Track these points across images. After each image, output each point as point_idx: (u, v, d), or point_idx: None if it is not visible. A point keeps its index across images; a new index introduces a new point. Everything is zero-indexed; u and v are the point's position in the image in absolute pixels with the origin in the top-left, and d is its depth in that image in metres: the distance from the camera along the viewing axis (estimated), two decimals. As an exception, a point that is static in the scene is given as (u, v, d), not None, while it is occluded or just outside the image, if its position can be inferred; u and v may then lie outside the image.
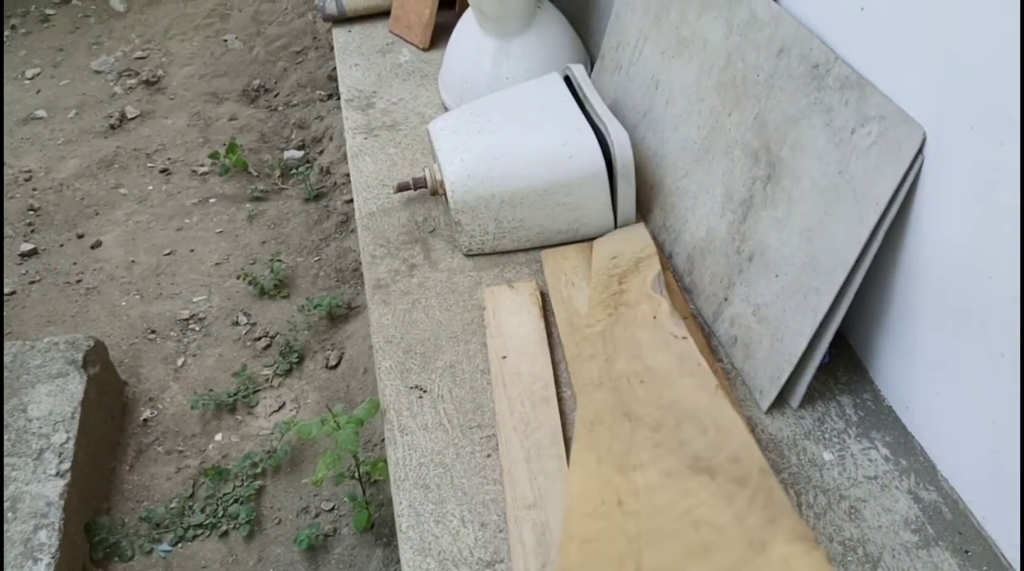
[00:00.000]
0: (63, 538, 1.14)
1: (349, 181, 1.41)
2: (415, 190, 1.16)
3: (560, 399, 0.89)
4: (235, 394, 1.47)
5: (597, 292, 0.99)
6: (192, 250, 1.82)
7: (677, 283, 1.03)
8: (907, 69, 0.74)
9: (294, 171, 2.03)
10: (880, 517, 0.77)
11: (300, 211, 1.91)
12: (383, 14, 1.65)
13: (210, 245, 1.83)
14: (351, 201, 1.82)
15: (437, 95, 1.42)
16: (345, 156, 1.67)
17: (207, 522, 1.27)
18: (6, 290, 1.74)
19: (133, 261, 1.80)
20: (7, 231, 1.90)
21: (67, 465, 1.22)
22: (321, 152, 2.07)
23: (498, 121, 1.09)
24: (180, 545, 1.25)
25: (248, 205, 1.93)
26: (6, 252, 1.83)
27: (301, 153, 2.08)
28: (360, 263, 1.14)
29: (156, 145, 2.16)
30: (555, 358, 0.94)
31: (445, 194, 1.07)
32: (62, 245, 1.87)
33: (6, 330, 1.63)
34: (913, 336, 0.80)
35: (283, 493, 1.32)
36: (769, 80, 0.90)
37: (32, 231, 1.91)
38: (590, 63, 1.37)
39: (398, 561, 0.78)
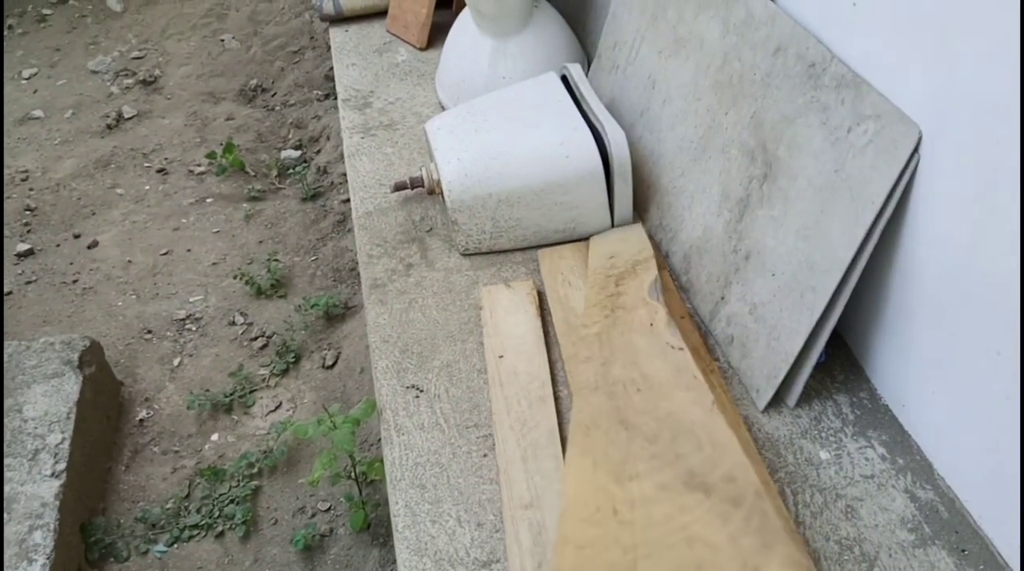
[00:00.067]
0: (58, 539, 1.14)
1: (346, 181, 1.41)
2: (412, 189, 1.16)
3: (557, 398, 0.89)
4: (231, 394, 1.47)
5: (594, 292, 0.99)
6: (189, 250, 1.82)
7: (674, 282, 1.03)
8: (903, 68, 0.74)
9: (291, 171, 2.02)
10: (876, 516, 0.77)
11: (297, 211, 1.91)
12: (380, 14, 1.65)
13: (207, 245, 1.83)
14: (348, 201, 1.82)
15: (434, 94, 1.42)
16: (342, 156, 1.67)
17: (203, 522, 1.27)
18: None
19: (130, 261, 1.80)
20: (4, 231, 1.89)
21: (62, 465, 1.22)
22: (318, 152, 2.07)
23: (495, 120, 1.09)
24: (176, 546, 1.25)
25: (245, 205, 1.93)
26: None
27: (298, 153, 2.08)
28: (357, 263, 1.13)
29: (153, 145, 2.15)
30: (552, 357, 0.94)
31: (442, 193, 1.06)
32: (58, 245, 1.86)
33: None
34: (909, 335, 0.80)
35: (279, 493, 1.31)
36: (765, 79, 0.90)
37: (28, 231, 1.90)
38: (587, 62, 1.37)
39: (394, 561, 0.78)
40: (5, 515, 1.15)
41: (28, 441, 1.25)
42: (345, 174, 1.41)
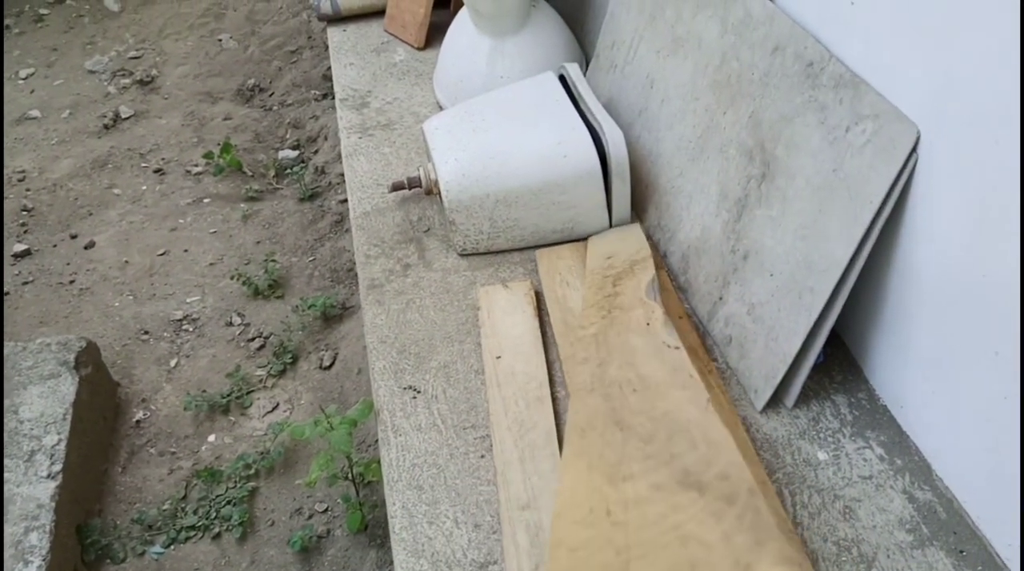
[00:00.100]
0: (54, 540, 1.13)
1: (344, 181, 1.41)
2: (410, 189, 1.16)
3: (555, 399, 0.88)
4: (228, 395, 1.46)
5: (591, 293, 0.98)
6: (186, 250, 1.82)
7: (672, 282, 1.03)
8: (901, 67, 0.73)
9: (289, 171, 2.02)
10: (875, 517, 0.76)
11: (295, 211, 1.90)
12: (378, 13, 1.65)
13: (204, 245, 1.83)
14: (346, 201, 1.82)
15: (432, 94, 1.41)
16: (340, 156, 1.66)
17: (200, 524, 1.26)
18: (-2, 291, 1.73)
19: (126, 261, 1.79)
20: (-1, 231, 1.89)
21: (58, 467, 1.21)
22: (316, 152, 2.06)
23: (493, 120, 1.08)
24: (172, 547, 1.24)
25: (242, 205, 1.93)
26: (-2, 252, 1.82)
27: (296, 153, 2.07)
28: (355, 263, 1.13)
29: (150, 145, 2.15)
30: (549, 358, 0.94)
31: (440, 193, 1.06)
32: (55, 245, 1.86)
33: (-2, 331, 1.62)
34: (907, 335, 0.80)
35: (276, 494, 1.31)
36: (764, 79, 0.89)
37: (25, 232, 1.90)
38: (585, 62, 1.36)
39: (391, 563, 0.78)
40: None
41: (24, 442, 1.24)
42: (343, 174, 1.41)
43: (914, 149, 0.72)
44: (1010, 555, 0.70)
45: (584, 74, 1.20)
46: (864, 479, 0.80)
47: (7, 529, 1.13)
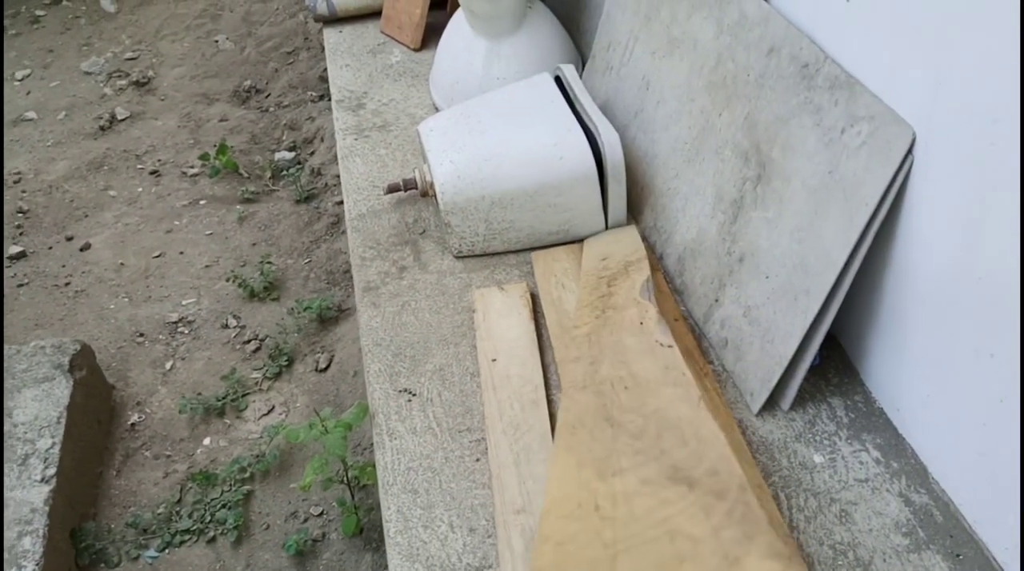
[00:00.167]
0: (48, 544, 1.13)
1: (340, 182, 1.40)
2: (405, 191, 1.15)
3: (550, 402, 0.88)
4: (224, 398, 1.46)
5: (585, 293, 0.98)
6: (181, 252, 1.81)
7: (668, 285, 1.02)
8: (897, 69, 0.73)
9: (285, 172, 2.01)
10: (871, 520, 0.76)
11: (291, 213, 1.90)
12: (374, 14, 1.64)
13: (200, 247, 1.82)
14: (342, 202, 1.81)
15: (428, 96, 1.41)
16: (336, 157, 1.66)
17: (194, 527, 1.26)
18: (-7, 293, 1.73)
19: (122, 263, 1.79)
20: (-6, 233, 1.88)
21: (52, 470, 1.21)
22: (312, 153, 2.06)
23: (488, 122, 1.08)
24: (167, 551, 1.24)
25: (238, 207, 1.92)
26: (-7, 255, 1.82)
27: (292, 154, 2.07)
28: (350, 265, 1.13)
29: (146, 146, 2.14)
30: (545, 361, 0.93)
31: (435, 195, 1.06)
32: (51, 247, 1.85)
33: (-8, 333, 1.61)
34: (903, 337, 0.80)
35: (271, 498, 1.31)
36: (759, 80, 0.89)
37: (21, 233, 1.89)
38: (581, 63, 1.36)
39: (387, 566, 0.77)
40: (-6, 521, 1.14)
41: (18, 446, 1.23)
42: (339, 176, 1.41)
43: (909, 151, 0.72)
44: (1007, 559, 0.70)
45: (580, 75, 1.20)
46: (860, 482, 0.79)
47: (0, 533, 1.13)
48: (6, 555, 1.10)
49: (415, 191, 1.14)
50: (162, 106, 2.30)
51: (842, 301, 0.79)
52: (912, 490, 0.78)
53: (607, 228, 1.09)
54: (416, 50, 1.54)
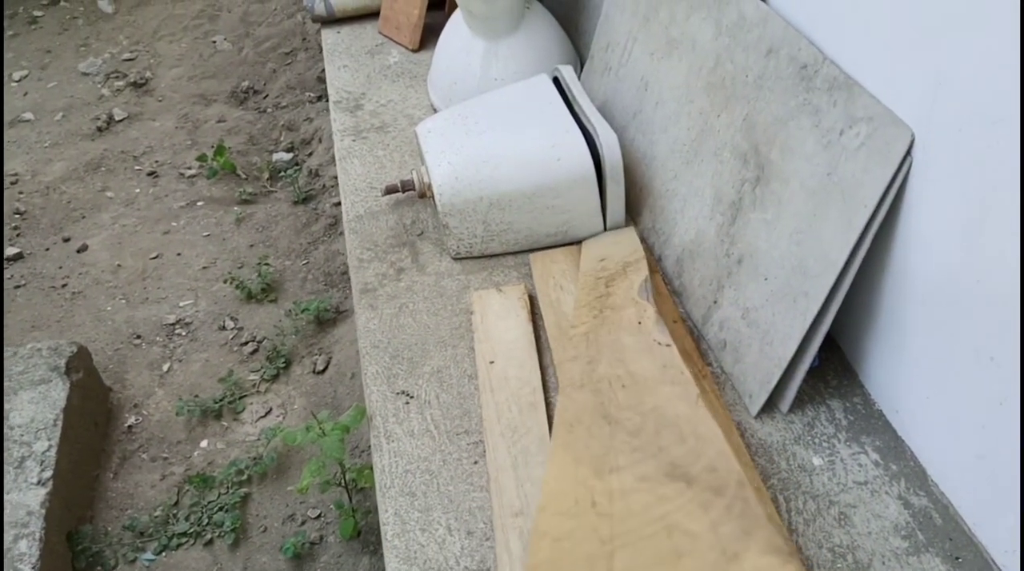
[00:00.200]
0: (44, 548, 1.12)
1: (338, 183, 1.40)
2: (403, 193, 1.15)
3: (548, 404, 0.88)
4: (221, 400, 1.45)
5: (583, 293, 0.98)
6: (179, 254, 1.81)
7: (666, 286, 1.02)
8: (896, 70, 0.73)
9: (283, 173, 2.01)
10: (870, 523, 0.76)
11: (288, 214, 1.89)
12: (372, 15, 1.64)
13: (197, 249, 1.82)
14: (339, 204, 1.81)
15: (426, 96, 1.41)
16: (334, 158, 1.66)
17: (192, 530, 1.25)
18: (-10, 295, 1.72)
19: (119, 265, 1.78)
20: (-9, 235, 1.87)
21: (49, 473, 1.20)
22: (310, 154, 2.06)
23: (486, 123, 1.08)
24: (164, 554, 1.23)
25: (236, 208, 1.92)
26: (-10, 256, 1.81)
27: (290, 155, 2.06)
28: (348, 266, 1.12)
29: (143, 147, 2.14)
30: (543, 363, 0.93)
31: (433, 197, 1.05)
32: (48, 249, 1.85)
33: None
34: (902, 339, 0.79)
35: (269, 500, 1.30)
36: (758, 81, 0.89)
37: (18, 235, 1.89)
38: (580, 64, 1.36)
39: (384, 569, 0.77)
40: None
41: (14, 449, 1.23)
42: (337, 177, 1.40)
43: (908, 152, 0.72)
44: (1007, 562, 0.70)
45: (578, 76, 1.20)
46: (859, 485, 0.79)
47: (-4, 536, 1.12)
48: (4, 558, 1.10)
49: (413, 192, 1.14)
50: (160, 107, 2.29)
51: (841, 303, 0.78)
52: (911, 492, 0.78)
53: (605, 230, 1.08)
54: (414, 51, 1.53)
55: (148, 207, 1.95)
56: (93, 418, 1.39)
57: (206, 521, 1.26)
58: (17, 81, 2.46)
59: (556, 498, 0.75)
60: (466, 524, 0.78)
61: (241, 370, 1.52)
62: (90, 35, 2.66)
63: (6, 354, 1.36)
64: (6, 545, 1.11)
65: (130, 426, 1.44)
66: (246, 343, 1.57)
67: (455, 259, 1.09)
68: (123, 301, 1.69)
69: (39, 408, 1.28)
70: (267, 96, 2.30)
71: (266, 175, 2.01)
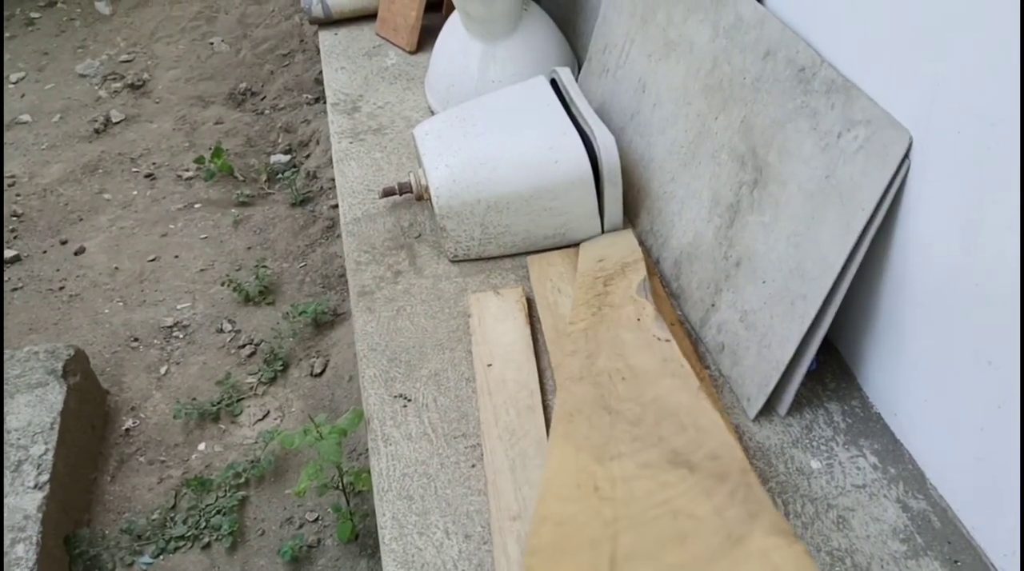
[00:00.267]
0: (41, 552, 1.12)
1: (335, 186, 1.40)
2: (400, 195, 1.15)
3: (546, 407, 0.87)
4: (219, 403, 1.45)
5: (581, 292, 0.98)
6: (176, 256, 1.80)
7: (664, 289, 1.02)
8: (894, 72, 0.73)
9: (280, 176, 2.01)
10: (868, 526, 0.76)
11: (286, 216, 1.89)
12: (370, 17, 1.64)
13: (195, 251, 1.81)
14: (337, 206, 1.81)
15: (423, 98, 1.40)
16: (332, 160, 1.66)
17: (189, 534, 1.25)
18: (-14, 297, 1.72)
19: (117, 268, 1.78)
20: (-12, 237, 1.87)
21: (45, 477, 1.20)
22: (308, 156, 2.05)
23: (484, 125, 1.08)
24: (162, 557, 1.23)
25: (233, 210, 1.91)
26: (-13, 259, 1.80)
27: (287, 157, 2.06)
28: (346, 269, 1.12)
29: (141, 149, 2.13)
30: (541, 365, 0.93)
31: (430, 199, 1.05)
32: (45, 251, 1.84)
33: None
34: (901, 342, 0.79)
35: (267, 503, 1.30)
36: (755, 83, 0.89)
37: (15, 237, 1.88)
38: (577, 66, 1.36)
39: (381, 574, 0.77)
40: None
41: (11, 452, 1.23)
42: (334, 179, 1.40)
43: (906, 155, 0.72)
44: (1006, 565, 0.70)
45: (576, 78, 1.19)
46: (857, 488, 0.79)
47: (-7, 541, 1.12)
48: (-2, 563, 1.10)
49: (410, 195, 1.14)
50: (157, 109, 2.29)
51: (839, 306, 0.78)
52: (910, 496, 0.78)
53: (603, 232, 1.08)
54: (412, 53, 1.53)
55: (145, 209, 1.94)
56: (90, 421, 1.39)
57: (204, 524, 1.26)
58: (14, 83, 2.45)
59: (557, 484, 0.75)
60: (464, 528, 0.78)
61: (239, 373, 1.51)
62: (87, 37, 2.66)
63: (3, 357, 1.36)
64: (3, 549, 1.11)
65: (127, 429, 1.44)
66: (243, 346, 1.57)
67: (452, 262, 1.09)
68: (120, 304, 1.69)
69: (36, 411, 1.28)
70: (265, 98, 2.30)
71: (264, 177, 2.00)
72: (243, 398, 1.47)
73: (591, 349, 0.89)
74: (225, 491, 1.30)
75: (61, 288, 1.74)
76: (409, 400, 0.91)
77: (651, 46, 1.09)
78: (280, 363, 1.51)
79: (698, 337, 0.95)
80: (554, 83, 1.14)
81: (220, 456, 1.38)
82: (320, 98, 2.21)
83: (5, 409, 1.28)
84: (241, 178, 2.01)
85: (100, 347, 1.58)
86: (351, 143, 1.32)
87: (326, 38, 1.62)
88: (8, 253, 1.82)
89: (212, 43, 2.56)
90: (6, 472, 1.20)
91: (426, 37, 1.51)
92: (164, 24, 2.68)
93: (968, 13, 0.63)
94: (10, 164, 2.10)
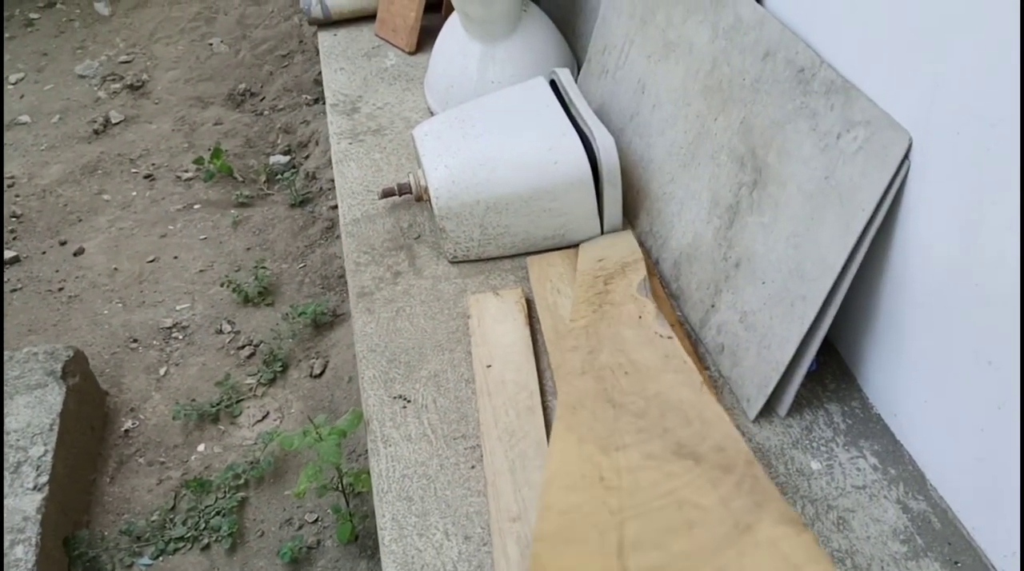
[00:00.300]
0: (40, 553, 1.12)
1: (335, 186, 1.40)
2: (400, 196, 1.15)
3: (545, 408, 0.87)
4: (218, 404, 1.45)
5: (582, 291, 0.98)
6: (176, 257, 1.80)
7: (664, 290, 1.02)
8: (893, 72, 0.73)
9: (279, 176, 2.01)
10: (869, 527, 0.76)
11: (285, 217, 1.89)
12: (369, 17, 1.64)
13: (194, 252, 1.81)
14: (336, 207, 1.81)
15: (423, 99, 1.40)
16: (331, 161, 1.65)
17: (189, 535, 1.25)
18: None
19: (116, 268, 1.78)
20: (-13, 238, 1.87)
21: (45, 478, 1.20)
22: (307, 157, 2.05)
23: (483, 126, 1.08)
24: (161, 559, 1.23)
25: (233, 211, 1.91)
26: (-14, 260, 1.80)
27: (287, 158, 2.06)
28: (345, 270, 1.12)
29: (140, 150, 2.13)
30: (540, 366, 0.93)
31: (430, 200, 1.05)
32: (44, 252, 1.84)
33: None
34: (900, 343, 0.79)
35: (266, 505, 1.30)
36: (755, 84, 0.89)
37: (14, 238, 1.88)
38: (577, 67, 1.36)
39: (381, 575, 0.77)
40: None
41: (10, 454, 1.22)
42: (334, 180, 1.40)
43: (906, 156, 0.72)
44: (1006, 566, 0.70)
45: (575, 79, 1.19)
46: (858, 489, 0.79)
47: (-8, 542, 1.12)
48: (-3, 565, 1.09)
49: (409, 196, 1.13)
50: (156, 110, 2.29)
51: (839, 306, 0.78)
52: (910, 497, 0.78)
53: (602, 233, 1.08)
54: (411, 53, 1.53)
55: (145, 210, 1.94)
56: (89, 422, 1.39)
57: (203, 526, 1.26)
58: (13, 84, 2.45)
59: (562, 474, 0.75)
60: (463, 529, 0.78)
61: (238, 374, 1.51)
62: (86, 37, 2.65)
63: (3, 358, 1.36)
64: (3, 550, 1.11)
65: (127, 430, 1.44)
66: (243, 347, 1.57)
67: (452, 263, 1.09)
68: (120, 305, 1.69)
69: (35, 413, 1.28)
70: (264, 99, 2.30)
71: (263, 178, 2.00)
72: (242, 399, 1.47)
73: (592, 345, 0.89)
74: (224, 492, 1.30)
75: (60, 289, 1.74)
76: (409, 401, 0.91)
77: (650, 47, 1.09)
78: (279, 364, 1.51)
79: (698, 338, 0.95)
80: (553, 84, 1.14)
81: (219, 457, 1.38)
82: (319, 99, 2.21)
83: (5, 410, 1.28)
84: (240, 179, 2.01)
85: (99, 348, 1.58)
86: (350, 144, 1.32)
87: (325, 39, 1.62)
88: (7, 254, 1.82)
89: (211, 44, 2.56)
90: (5, 473, 1.20)
91: (425, 38, 1.51)
92: (163, 25, 2.68)
93: (967, 14, 0.63)
94: (9, 165, 2.10)
